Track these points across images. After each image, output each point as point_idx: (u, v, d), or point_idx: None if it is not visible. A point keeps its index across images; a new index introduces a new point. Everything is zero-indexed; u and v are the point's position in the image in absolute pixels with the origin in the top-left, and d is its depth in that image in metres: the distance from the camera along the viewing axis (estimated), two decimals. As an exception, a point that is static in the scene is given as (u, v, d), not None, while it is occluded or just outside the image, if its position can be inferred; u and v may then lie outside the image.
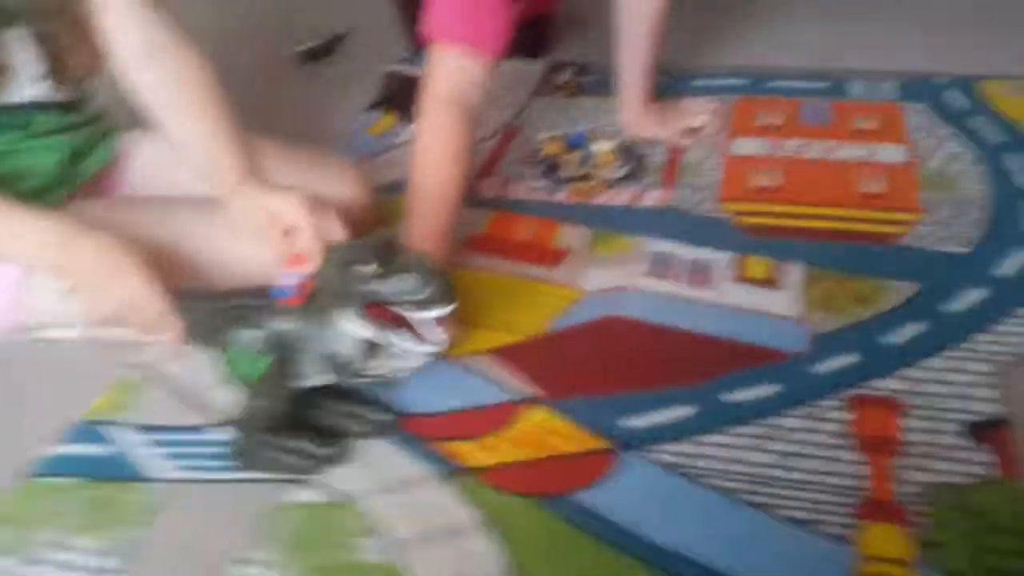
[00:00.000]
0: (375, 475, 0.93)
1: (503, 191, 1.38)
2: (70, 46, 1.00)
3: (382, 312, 0.82)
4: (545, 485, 0.91)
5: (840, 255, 1.18)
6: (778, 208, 1.29)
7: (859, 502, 0.86)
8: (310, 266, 0.89)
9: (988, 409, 0.94)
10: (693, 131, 1.47)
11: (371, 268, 0.79)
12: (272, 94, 1.70)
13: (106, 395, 1.06)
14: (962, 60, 1.64)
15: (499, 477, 0.92)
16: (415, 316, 0.81)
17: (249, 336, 0.88)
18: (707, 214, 1.29)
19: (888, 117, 1.49)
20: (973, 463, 0.89)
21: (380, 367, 0.86)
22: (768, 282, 1.15)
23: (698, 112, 1.49)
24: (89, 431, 1.01)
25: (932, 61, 1.65)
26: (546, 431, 0.97)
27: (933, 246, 1.19)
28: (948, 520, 0.83)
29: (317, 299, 0.86)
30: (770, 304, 1.11)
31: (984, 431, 0.92)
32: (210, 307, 0.90)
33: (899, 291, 1.11)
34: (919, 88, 1.57)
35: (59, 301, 1.03)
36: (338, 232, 0.94)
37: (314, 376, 0.89)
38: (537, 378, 1.03)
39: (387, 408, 0.98)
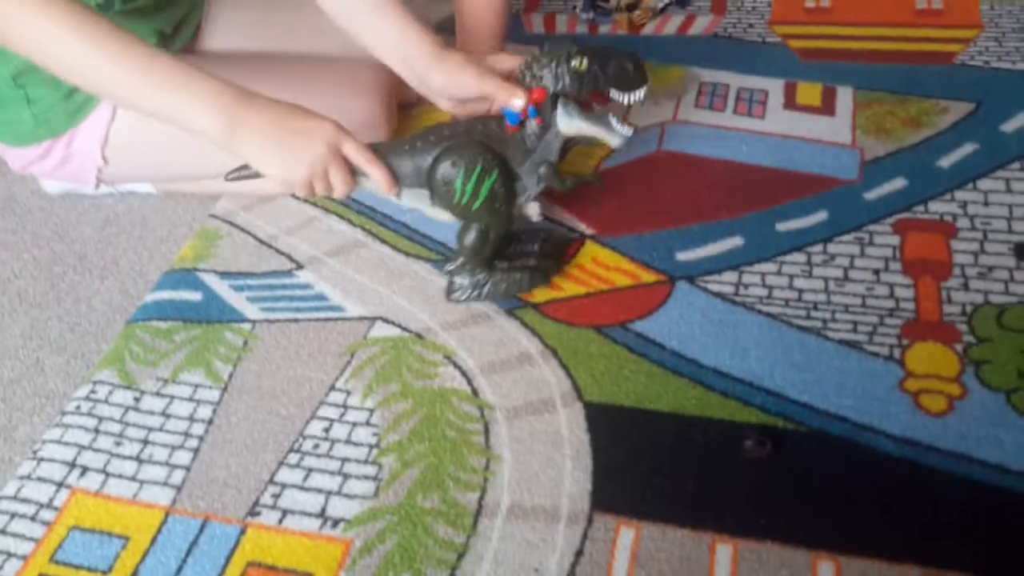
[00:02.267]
0: (446, 312, 0.99)
1: (550, 26, 1.37)
2: None
3: (587, 105, 0.91)
4: (604, 316, 0.96)
5: (893, 77, 1.17)
6: (830, 31, 1.27)
7: (906, 322, 0.90)
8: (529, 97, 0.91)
9: (1037, 229, 0.96)
10: None
11: (583, 62, 0.86)
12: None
13: (191, 244, 1.12)
14: None
15: (561, 310, 0.97)
16: (625, 99, 0.88)
17: (469, 161, 0.90)
18: (757, 39, 1.27)
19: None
20: (1020, 283, 0.91)
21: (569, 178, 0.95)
22: (820, 108, 1.15)
23: None
24: (180, 278, 1.08)
25: None
26: (602, 266, 1.01)
27: (991, 63, 1.17)
28: (995, 338, 0.87)
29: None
30: (821, 131, 1.12)
31: (1032, 251, 0.94)
32: (410, 146, 0.91)
33: (953, 112, 1.11)
34: None
35: (141, 156, 1.08)
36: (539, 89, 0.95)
37: (532, 188, 0.94)
38: (589, 216, 1.07)
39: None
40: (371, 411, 0.91)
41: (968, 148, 1.06)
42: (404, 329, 0.98)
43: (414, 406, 0.90)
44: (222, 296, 1.05)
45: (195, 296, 1.05)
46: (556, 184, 0.93)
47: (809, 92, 1.17)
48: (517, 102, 0.90)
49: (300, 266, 1.07)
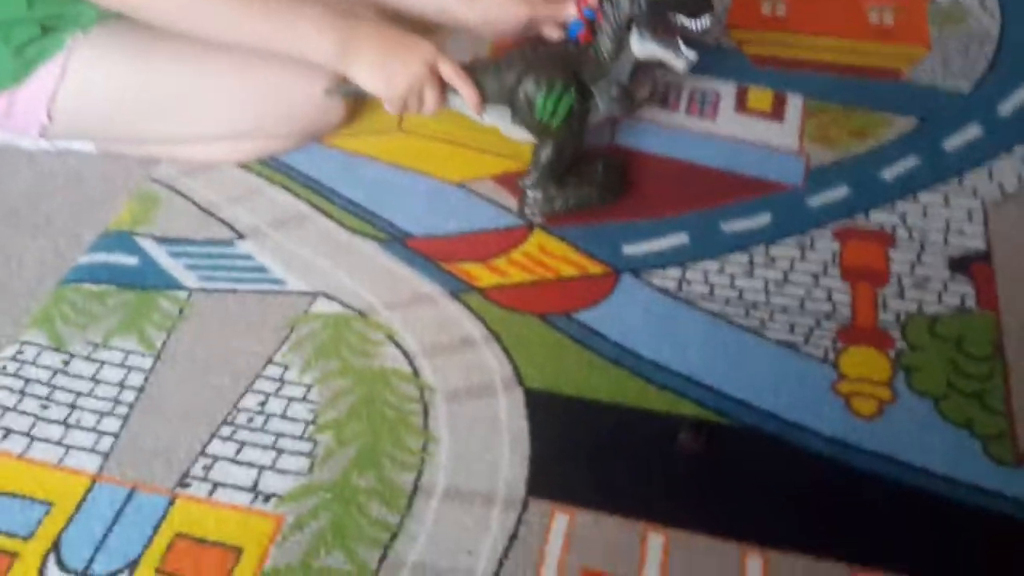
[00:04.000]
0: (390, 291, 0.98)
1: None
2: None
3: (658, 31, 0.97)
4: (548, 304, 0.96)
5: (842, 88, 1.20)
6: (784, 38, 1.29)
7: (841, 326, 0.92)
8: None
9: (973, 244, 0.99)
10: None
11: None
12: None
13: (128, 207, 1.09)
14: None
15: (505, 296, 0.97)
16: (693, 25, 0.94)
17: (549, 80, 0.96)
18: (712, 42, 1.29)
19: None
20: (954, 294, 0.94)
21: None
22: (770, 113, 1.17)
23: None
24: (117, 241, 1.05)
25: None
26: (549, 255, 1.01)
27: (936, 82, 1.20)
28: (926, 346, 0.89)
29: (608, 25, 0.97)
30: (770, 136, 1.14)
31: (967, 264, 0.97)
32: (495, 66, 0.98)
33: (897, 126, 1.14)
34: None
35: (86, 116, 1.06)
36: None
37: (604, 107, 1.00)
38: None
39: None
40: (308, 387, 0.89)
41: (910, 161, 1.09)
42: (346, 306, 0.97)
43: (353, 384, 0.89)
44: (159, 262, 1.02)
45: (131, 260, 1.02)
46: (627, 104, 1.01)
47: (760, 97, 1.19)
48: (571, 7, 1.00)
49: (241, 236, 1.05)
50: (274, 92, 1.05)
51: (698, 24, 0.94)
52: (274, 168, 1.13)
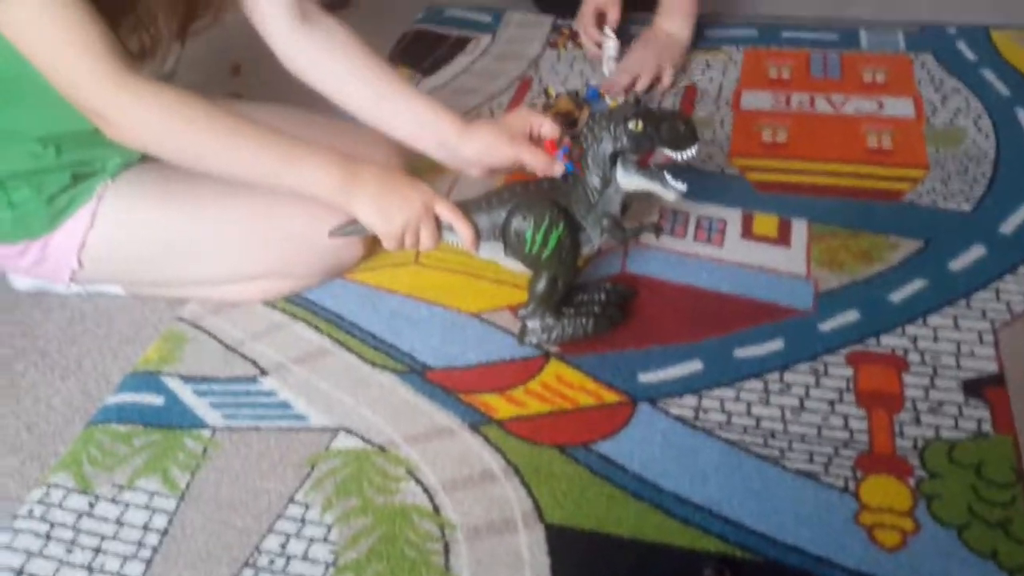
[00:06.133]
0: (410, 424, 1.00)
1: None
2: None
3: (644, 163, 0.99)
4: (567, 436, 0.97)
5: (846, 212, 1.23)
6: (786, 164, 1.33)
7: (860, 454, 0.92)
8: (562, 142, 1.09)
9: (985, 366, 1.00)
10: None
11: (639, 124, 0.95)
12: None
13: (156, 347, 1.12)
14: (972, 10, 1.66)
15: (524, 427, 0.98)
16: (678, 156, 0.96)
17: (538, 215, 0.99)
18: (717, 170, 1.33)
19: (897, 69, 1.53)
20: (970, 419, 0.95)
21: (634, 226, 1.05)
22: (776, 239, 1.20)
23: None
24: (144, 381, 1.07)
25: (942, 11, 1.67)
26: (566, 385, 1.03)
27: (938, 203, 1.24)
28: (946, 473, 0.90)
29: (591, 161, 0.99)
30: (777, 261, 1.16)
31: (980, 387, 0.98)
32: (487, 203, 1.01)
33: (903, 248, 1.16)
34: (928, 39, 1.59)
35: (116, 262, 1.11)
36: (550, 124, 1.10)
37: (595, 239, 1.03)
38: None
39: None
40: (329, 527, 0.90)
41: (918, 284, 1.11)
42: (367, 441, 0.98)
43: (374, 522, 0.90)
44: (184, 401, 1.04)
45: (157, 400, 1.05)
46: (618, 235, 1.02)
47: (765, 223, 1.22)
48: (558, 168, 1.05)
49: (265, 372, 1.08)
50: (297, 235, 1.09)
51: (683, 156, 0.96)
52: (297, 304, 1.16)
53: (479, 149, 1.09)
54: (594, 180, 1.00)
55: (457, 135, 1.09)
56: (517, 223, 1.00)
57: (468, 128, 1.09)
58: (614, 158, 0.98)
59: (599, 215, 1.01)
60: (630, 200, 1.02)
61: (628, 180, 0.99)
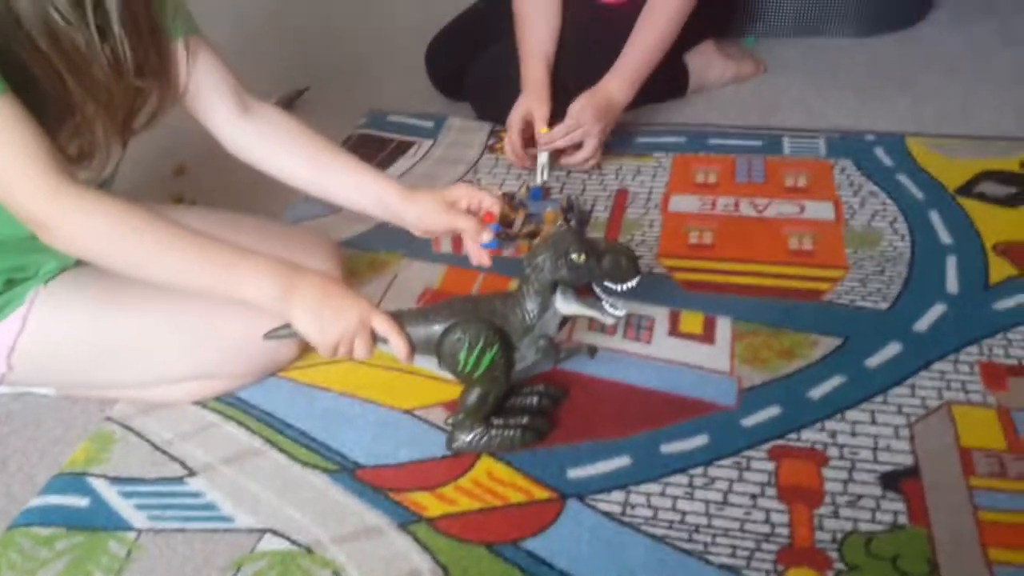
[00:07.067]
0: (338, 524, 0.99)
1: (456, 247, 1.45)
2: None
3: (585, 291, 1.02)
4: (497, 533, 0.98)
5: (768, 311, 1.28)
6: (711, 265, 1.38)
7: (781, 548, 0.94)
8: (496, 218, 1.15)
9: (901, 460, 1.03)
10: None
11: (581, 256, 0.96)
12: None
13: (83, 447, 1.11)
14: (888, 119, 1.76)
15: (454, 525, 0.99)
16: (619, 288, 0.99)
17: (473, 336, 1.00)
18: (646, 270, 1.37)
19: (818, 174, 1.60)
20: (887, 511, 0.97)
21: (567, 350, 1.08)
22: (701, 336, 1.24)
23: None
24: (70, 482, 1.06)
25: (861, 119, 1.77)
26: (497, 481, 1.04)
27: (856, 301, 1.29)
28: (864, 566, 0.91)
29: (531, 286, 1.01)
30: (702, 358, 1.20)
31: (896, 481, 1.01)
32: (424, 318, 1.03)
33: (823, 345, 1.21)
34: (848, 146, 1.68)
35: (45, 367, 1.10)
36: (492, 199, 1.15)
37: (530, 359, 1.05)
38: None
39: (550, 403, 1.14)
40: (254, 630, 0.89)
41: (836, 380, 1.15)
42: (293, 542, 0.98)
43: (299, 625, 0.89)
44: (109, 503, 1.03)
45: (82, 502, 1.03)
46: (553, 356, 1.04)
47: (692, 321, 1.26)
48: (486, 235, 1.12)
49: (193, 473, 1.07)
50: (233, 338, 1.10)
51: (624, 288, 0.98)
52: (229, 404, 1.16)
53: (418, 214, 1.15)
54: (533, 305, 1.01)
55: (400, 200, 1.16)
56: (451, 342, 1.01)
57: (411, 194, 1.16)
58: (554, 286, 1.00)
59: (536, 336, 1.03)
60: (567, 321, 1.04)
61: (567, 307, 1.01)
